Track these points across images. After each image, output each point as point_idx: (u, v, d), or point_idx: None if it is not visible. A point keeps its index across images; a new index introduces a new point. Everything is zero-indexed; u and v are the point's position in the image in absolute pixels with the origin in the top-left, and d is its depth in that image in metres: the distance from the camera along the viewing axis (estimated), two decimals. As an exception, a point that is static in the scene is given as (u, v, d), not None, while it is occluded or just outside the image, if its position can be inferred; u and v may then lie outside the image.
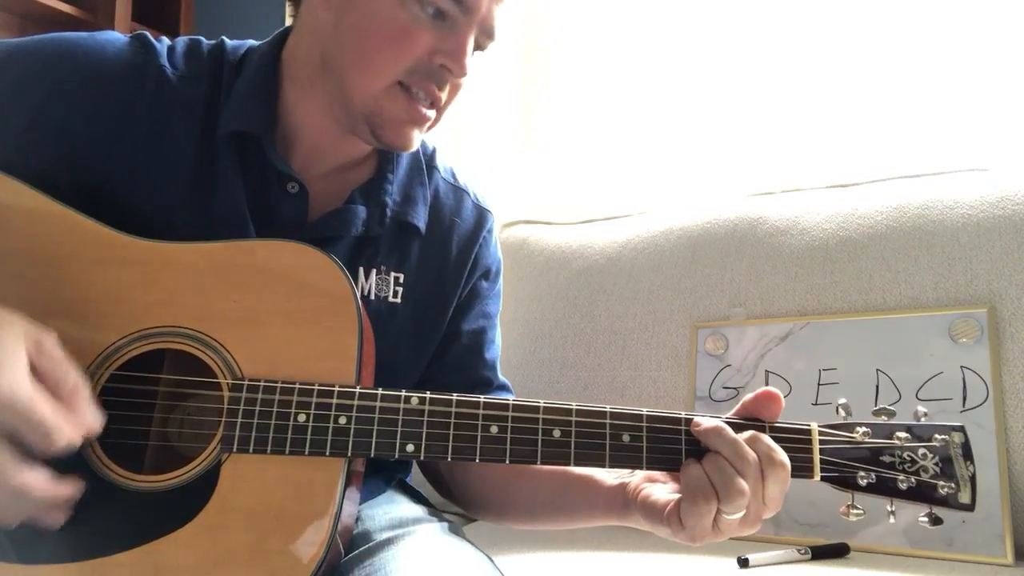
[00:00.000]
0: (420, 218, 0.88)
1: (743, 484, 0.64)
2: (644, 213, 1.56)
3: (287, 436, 0.68)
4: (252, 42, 0.87)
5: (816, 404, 1.12)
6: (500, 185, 1.84)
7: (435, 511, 0.90)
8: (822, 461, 0.70)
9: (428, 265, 0.89)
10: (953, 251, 1.16)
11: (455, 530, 0.84)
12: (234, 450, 0.68)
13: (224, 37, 0.88)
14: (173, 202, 0.78)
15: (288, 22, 0.88)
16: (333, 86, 0.79)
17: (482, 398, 0.71)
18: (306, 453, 0.68)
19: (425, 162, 0.93)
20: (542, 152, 1.88)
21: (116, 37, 0.81)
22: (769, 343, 1.21)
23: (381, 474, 0.93)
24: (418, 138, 0.82)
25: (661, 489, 0.73)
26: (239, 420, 0.68)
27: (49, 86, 0.77)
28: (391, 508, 0.85)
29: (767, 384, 0.95)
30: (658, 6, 1.77)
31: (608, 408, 0.70)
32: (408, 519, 0.82)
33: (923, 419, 0.72)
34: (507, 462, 0.69)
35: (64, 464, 0.62)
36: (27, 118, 0.76)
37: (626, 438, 0.70)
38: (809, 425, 0.71)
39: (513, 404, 0.70)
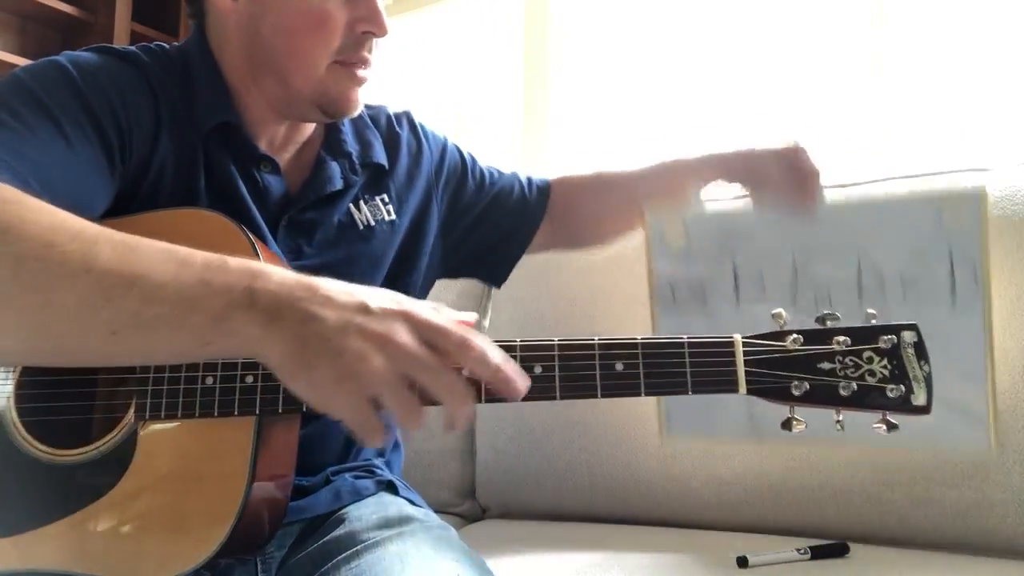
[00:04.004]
0: (382, 156, 0.95)
1: None
2: (644, 213, 1.56)
3: (196, 399, 0.69)
4: (163, 44, 0.90)
5: (793, 305, 0.93)
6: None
7: (427, 512, 0.90)
8: (748, 374, 0.65)
9: (400, 177, 0.97)
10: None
11: (446, 531, 0.84)
12: (147, 417, 0.70)
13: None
14: (195, 201, 0.81)
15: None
16: (272, 86, 0.84)
17: None
18: (215, 414, 0.69)
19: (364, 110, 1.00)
20: (543, 151, 1.88)
21: (91, 55, 0.81)
22: (734, 228, 1.02)
23: (371, 475, 0.93)
24: (362, 97, 0.87)
25: None
26: (150, 388, 0.70)
27: (106, 95, 0.77)
28: (379, 508, 0.85)
29: (736, 274, 0.89)
30: (661, 8, 1.77)
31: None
32: (397, 519, 0.82)
33: (872, 322, 0.66)
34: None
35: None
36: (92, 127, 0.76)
37: (538, 370, 0.66)
38: (732, 337, 0.67)
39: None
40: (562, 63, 1.91)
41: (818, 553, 1.03)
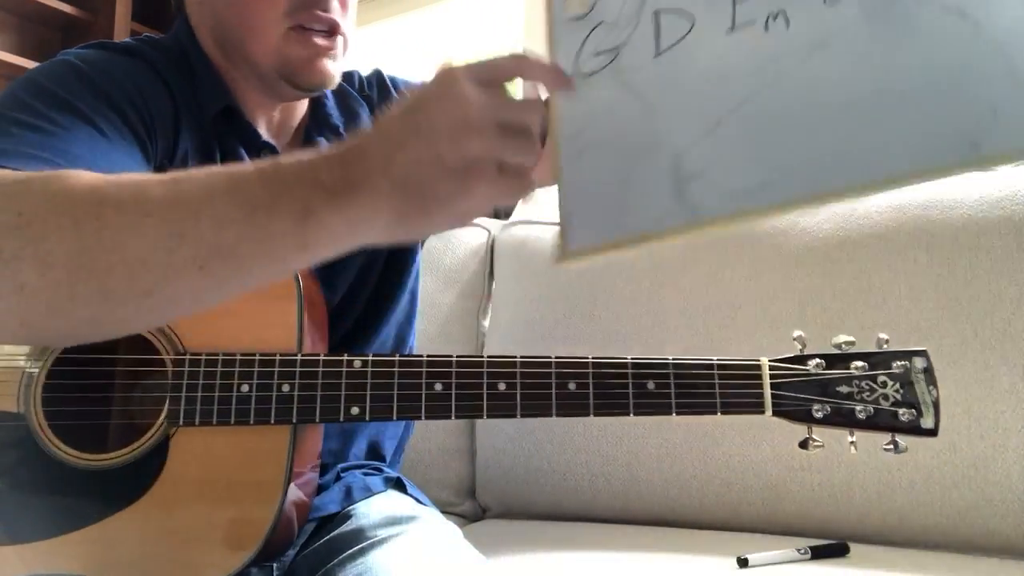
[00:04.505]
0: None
1: None
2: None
3: (231, 407, 0.69)
4: (153, 36, 0.88)
5: (733, 29, 0.54)
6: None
7: (432, 510, 0.90)
8: (774, 396, 0.68)
9: None
10: (953, 251, 1.15)
11: (451, 530, 0.84)
12: (180, 424, 0.69)
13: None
14: None
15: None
16: (241, 64, 0.83)
17: (425, 356, 0.71)
18: (251, 422, 0.68)
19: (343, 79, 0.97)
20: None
21: (97, 52, 0.80)
22: None
23: (379, 472, 0.93)
24: (335, 68, 0.83)
25: None
26: (183, 394, 0.69)
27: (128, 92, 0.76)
28: (386, 506, 0.85)
29: (657, 27, 0.58)
30: None
31: (553, 358, 0.71)
32: (403, 517, 0.82)
33: (884, 347, 0.69)
34: (452, 418, 0.70)
35: (15, 446, 0.63)
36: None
37: (572, 386, 0.70)
38: (759, 361, 0.70)
39: (457, 360, 0.71)
40: None
41: (818, 553, 1.03)
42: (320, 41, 0.80)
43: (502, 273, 1.54)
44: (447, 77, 0.50)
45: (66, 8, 2.37)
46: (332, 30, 0.81)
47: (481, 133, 0.49)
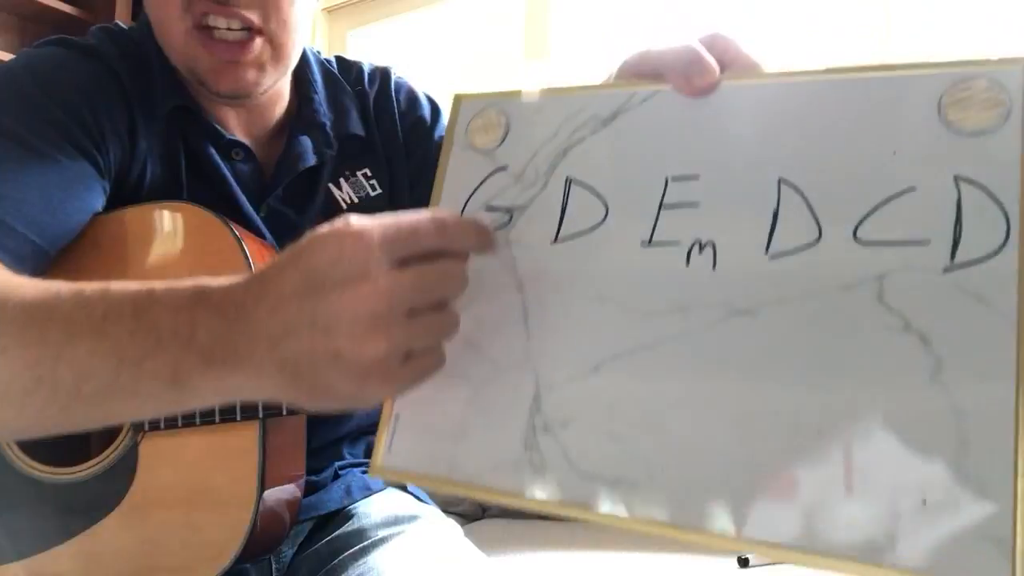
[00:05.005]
0: (357, 126, 0.83)
1: None
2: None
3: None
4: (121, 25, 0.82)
5: (650, 244, 0.44)
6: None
7: (434, 509, 0.90)
8: None
9: (376, 143, 0.86)
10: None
11: (452, 530, 0.84)
12: (146, 429, 0.67)
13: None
14: (180, 193, 0.75)
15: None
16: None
17: None
18: (216, 421, 0.66)
19: (337, 69, 0.89)
20: None
21: (51, 51, 0.75)
22: (580, 128, 0.50)
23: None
24: (253, 76, 0.71)
25: None
26: None
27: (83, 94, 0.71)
28: (386, 504, 0.83)
29: (565, 200, 0.48)
30: (662, 9, 1.77)
31: None
32: (404, 516, 0.81)
33: None
34: None
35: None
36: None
37: None
38: None
39: None
40: (562, 63, 1.91)
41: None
42: (220, 45, 0.68)
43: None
44: (358, 253, 0.40)
45: (66, 8, 2.37)
46: (252, 30, 0.69)
47: (389, 329, 0.40)
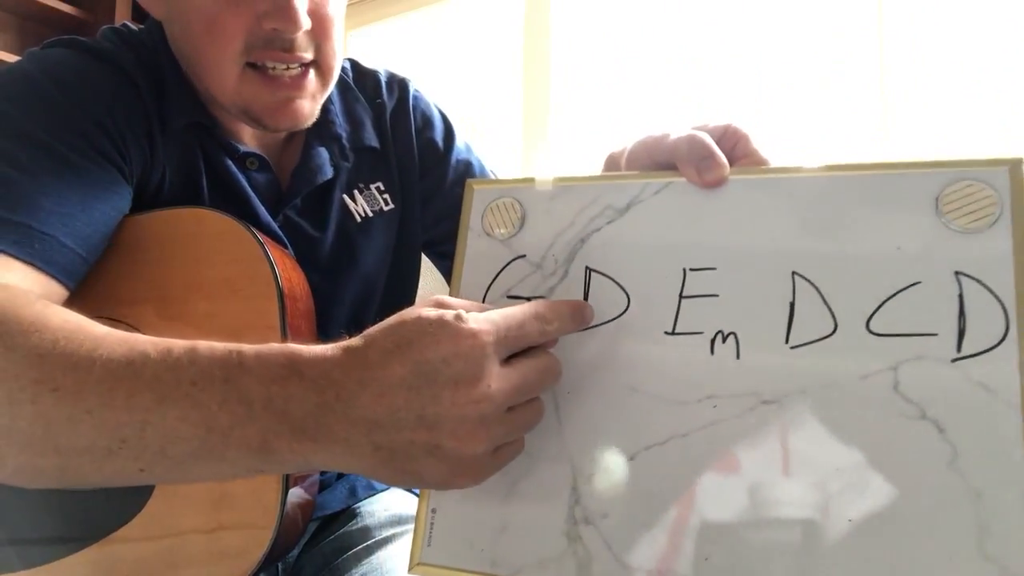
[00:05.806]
0: (372, 139, 0.84)
1: None
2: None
3: None
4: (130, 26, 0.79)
5: (673, 333, 0.47)
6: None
7: None
8: None
9: (393, 156, 0.86)
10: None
11: None
12: None
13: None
14: (199, 200, 0.75)
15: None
16: (205, 91, 0.73)
17: None
18: None
19: (353, 77, 0.88)
20: (543, 152, 1.86)
21: (65, 56, 0.73)
22: (596, 218, 0.53)
23: None
24: (308, 107, 0.72)
25: None
26: None
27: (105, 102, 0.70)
28: (391, 503, 0.83)
29: (587, 289, 0.50)
30: (662, 8, 1.76)
31: None
32: (408, 516, 0.80)
33: None
34: None
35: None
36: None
37: None
38: None
39: None
40: (562, 63, 1.89)
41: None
42: (278, 82, 0.69)
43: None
44: (473, 353, 0.41)
45: (66, 8, 2.32)
46: (304, 64, 0.70)
47: (491, 429, 0.41)
